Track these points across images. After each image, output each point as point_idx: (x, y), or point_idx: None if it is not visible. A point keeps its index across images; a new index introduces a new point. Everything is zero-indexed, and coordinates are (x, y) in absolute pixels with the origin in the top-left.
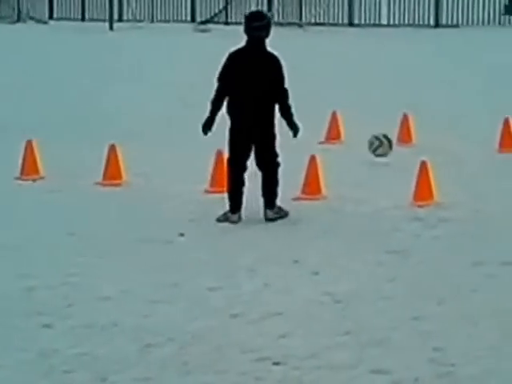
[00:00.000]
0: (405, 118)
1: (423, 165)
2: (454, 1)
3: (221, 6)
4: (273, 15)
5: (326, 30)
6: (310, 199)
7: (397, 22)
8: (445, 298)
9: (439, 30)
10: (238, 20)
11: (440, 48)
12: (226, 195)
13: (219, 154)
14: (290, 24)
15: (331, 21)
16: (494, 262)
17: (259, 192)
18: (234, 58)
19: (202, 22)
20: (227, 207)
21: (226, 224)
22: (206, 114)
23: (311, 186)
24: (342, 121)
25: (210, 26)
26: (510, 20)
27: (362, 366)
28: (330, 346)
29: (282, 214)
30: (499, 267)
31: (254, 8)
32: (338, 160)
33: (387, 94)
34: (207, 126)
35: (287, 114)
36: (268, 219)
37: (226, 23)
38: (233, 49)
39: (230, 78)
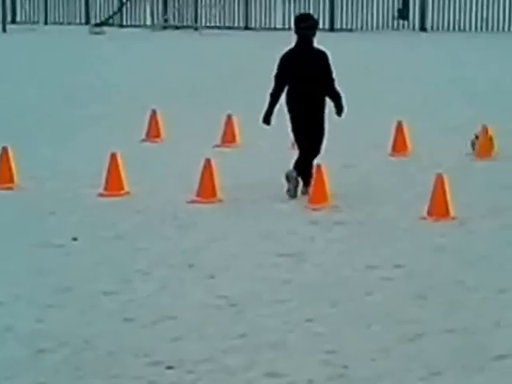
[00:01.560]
0: None
1: (319, 168)
2: (348, 5)
3: (115, 9)
4: (168, 18)
5: (221, 33)
6: (205, 202)
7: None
8: (339, 300)
9: (334, 34)
10: (133, 22)
11: (335, 51)
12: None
13: (114, 156)
14: (185, 27)
15: (227, 24)
16: (388, 264)
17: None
18: (287, 57)
19: (97, 25)
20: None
21: (119, 228)
22: (266, 107)
23: (206, 189)
24: (238, 124)
25: (105, 28)
26: (403, 24)
27: (257, 369)
28: (224, 350)
29: None
30: (393, 270)
31: (149, 10)
32: (233, 163)
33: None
34: (268, 117)
35: (336, 97)
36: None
37: (121, 25)
38: (286, 49)
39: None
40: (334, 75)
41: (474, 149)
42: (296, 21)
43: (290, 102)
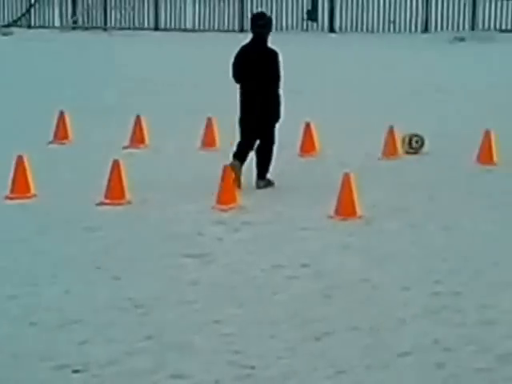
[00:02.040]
0: (209, 122)
1: (226, 169)
2: (258, 7)
3: (24, 10)
4: (77, 19)
5: (131, 33)
6: (114, 204)
7: (202, 27)
8: (245, 300)
9: (243, 35)
10: (42, 23)
11: None
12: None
13: (20, 159)
14: (94, 28)
15: (137, 25)
16: (295, 264)
17: None
18: (240, 54)
19: (5, 26)
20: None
21: (25, 231)
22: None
23: (114, 191)
24: (147, 126)
25: (13, 29)
26: (312, 26)
27: (163, 371)
28: (130, 352)
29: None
30: (299, 269)
31: (57, 11)
32: (141, 164)
33: (192, 98)
34: None
35: (275, 101)
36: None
37: (29, 26)
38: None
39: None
40: (282, 77)
41: (411, 147)
42: (252, 19)
43: (240, 97)
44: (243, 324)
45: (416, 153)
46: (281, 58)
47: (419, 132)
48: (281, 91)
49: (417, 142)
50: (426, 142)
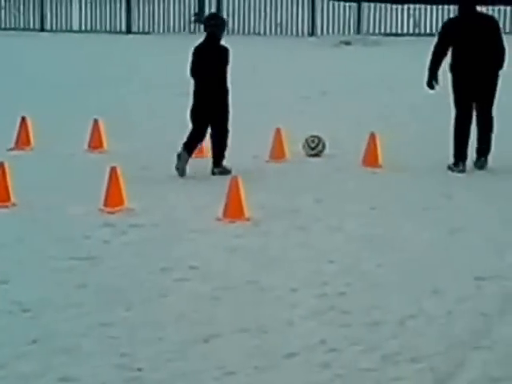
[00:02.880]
0: (95, 124)
1: (113, 170)
2: (146, 8)
3: None
4: None
5: (16, 34)
6: None
7: (89, 28)
8: (133, 303)
9: (131, 37)
10: None
11: (131, 54)
12: None
13: None
14: None
15: (22, 26)
16: (183, 266)
17: None
18: (195, 52)
19: None
20: None
21: None
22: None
23: None
24: (32, 127)
25: None
26: (199, 28)
27: (50, 375)
28: (17, 356)
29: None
30: (187, 271)
31: None
32: (27, 166)
33: (78, 100)
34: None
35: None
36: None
37: None
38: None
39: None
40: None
41: (311, 148)
42: (206, 19)
43: (194, 90)
44: (131, 327)
45: (317, 155)
46: (231, 55)
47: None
48: (229, 84)
49: (313, 141)
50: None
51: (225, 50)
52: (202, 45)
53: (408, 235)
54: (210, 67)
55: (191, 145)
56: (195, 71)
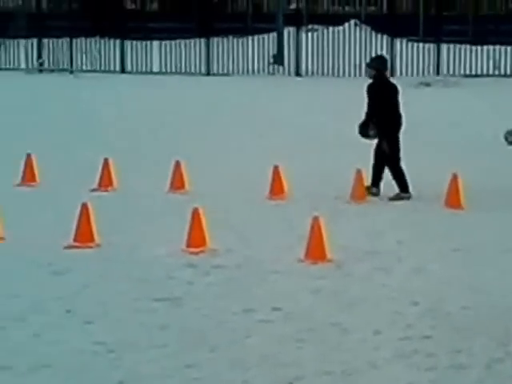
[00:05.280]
0: (177, 166)
1: (195, 211)
2: (225, 51)
3: None
4: (43, 61)
5: (98, 76)
6: (82, 247)
7: (169, 70)
8: (217, 344)
9: (210, 78)
10: (8, 65)
11: (211, 95)
12: None
13: None
14: (61, 70)
15: (103, 68)
16: (266, 307)
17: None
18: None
19: None
20: None
21: None
22: None
23: (83, 234)
24: (115, 168)
25: None
26: (278, 69)
27: None
28: None
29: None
30: (271, 313)
31: (23, 53)
32: (110, 207)
33: (160, 141)
34: None
35: None
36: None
37: None
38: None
39: None
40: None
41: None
42: (372, 59)
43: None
44: (215, 368)
45: None
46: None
47: None
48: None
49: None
50: None
51: (393, 87)
52: (374, 83)
53: (492, 277)
54: (380, 103)
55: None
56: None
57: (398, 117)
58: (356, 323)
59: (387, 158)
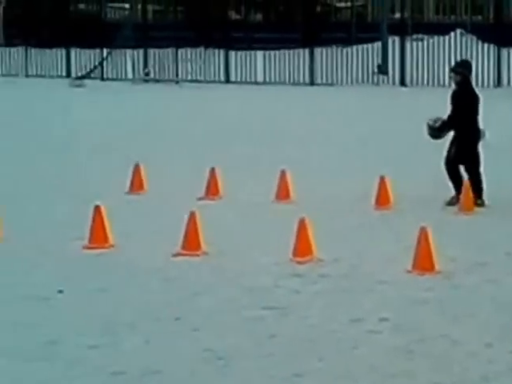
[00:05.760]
0: (283, 175)
1: (302, 221)
2: (329, 61)
3: (96, 62)
4: (149, 72)
5: (202, 86)
6: (190, 255)
7: (273, 80)
8: (325, 354)
9: (314, 88)
10: (114, 76)
11: (315, 105)
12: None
13: (98, 209)
14: (166, 80)
15: (208, 78)
16: (373, 318)
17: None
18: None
19: (78, 78)
20: None
21: (105, 281)
22: None
23: (191, 242)
24: (221, 177)
25: (86, 81)
26: (383, 79)
27: None
28: None
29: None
30: (378, 323)
31: (130, 64)
32: (217, 216)
33: (265, 150)
34: None
35: None
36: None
37: (102, 79)
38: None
39: None
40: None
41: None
42: (457, 64)
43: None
44: (324, 378)
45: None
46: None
47: None
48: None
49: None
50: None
51: (476, 95)
52: (458, 90)
53: None
54: (461, 111)
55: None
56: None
57: (477, 126)
58: (466, 335)
59: (469, 163)
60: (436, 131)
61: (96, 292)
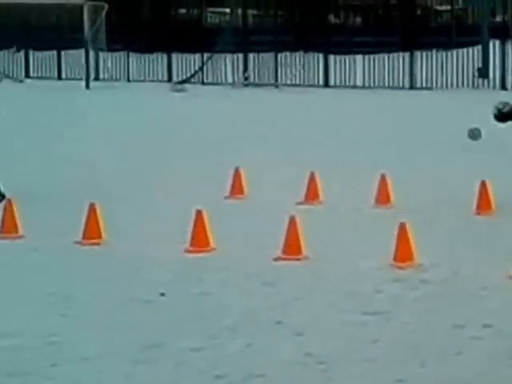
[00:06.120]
0: (383, 179)
1: (402, 226)
2: (429, 64)
3: (197, 67)
4: (249, 76)
5: (301, 90)
6: (291, 259)
7: (372, 84)
8: (428, 360)
9: (414, 92)
10: (214, 80)
11: (414, 110)
12: (208, 255)
13: (199, 213)
14: (265, 85)
15: (307, 82)
16: (476, 324)
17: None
18: None
19: (179, 82)
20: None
21: (206, 284)
22: None
23: (292, 246)
24: (321, 181)
25: (187, 85)
26: (483, 83)
27: None
28: None
29: None
30: (482, 329)
31: (230, 68)
32: (317, 220)
33: (365, 155)
34: None
35: None
36: None
37: (203, 83)
38: None
39: None
40: None
41: None
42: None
43: None
44: None
45: None
46: None
47: None
48: None
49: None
50: None
51: None
52: None
53: None
54: None
55: None
56: None
57: None
58: None
59: None
60: (501, 114)
61: (197, 295)
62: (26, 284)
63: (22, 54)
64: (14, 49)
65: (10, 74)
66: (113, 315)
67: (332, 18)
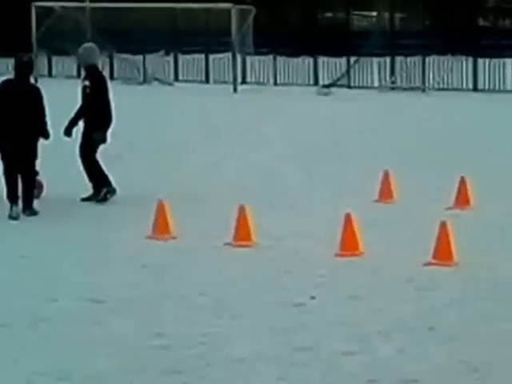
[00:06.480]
0: None
1: None
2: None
3: (343, 70)
4: (395, 80)
5: (449, 94)
6: (442, 265)
7: None
8: None
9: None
10: (361, 84)
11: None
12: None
13: (349, 216)
14: (412, 89)
15: (455, 85)
16: None
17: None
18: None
19: (325, 86)
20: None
21: (356, 288)
22: None
23: (442, 252)
24: (471, 186)
25: (333, 89)
26: None
27: None
28: None
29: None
30: None
31: (376, 72)
32: (467, 226)
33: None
34: None
35: None
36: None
37: (349, 87)
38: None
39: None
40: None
41: None
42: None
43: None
44: None
45: None
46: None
47: None
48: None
49: None
50: None
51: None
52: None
53: None
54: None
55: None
56: None
57: None
58: None
59: None
60: None
61: (348, 299)
62: (178, 284)
63: (170, 57)
64: (162, 52)
65: (159, 77)
66: (264, 317)
67: (481, 21)
